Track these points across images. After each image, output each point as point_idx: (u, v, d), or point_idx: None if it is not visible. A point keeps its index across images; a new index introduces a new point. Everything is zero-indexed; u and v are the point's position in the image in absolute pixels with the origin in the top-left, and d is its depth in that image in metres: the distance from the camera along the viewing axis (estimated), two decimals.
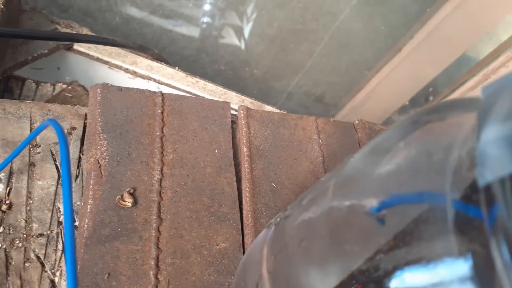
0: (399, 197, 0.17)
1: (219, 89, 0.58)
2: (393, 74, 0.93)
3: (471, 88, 0.79)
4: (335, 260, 0.18)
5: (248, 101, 0.58)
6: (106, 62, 0.56)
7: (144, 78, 0.57)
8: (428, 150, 0.16)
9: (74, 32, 0.54)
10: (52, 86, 0.49)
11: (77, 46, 0.55)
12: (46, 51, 0.52)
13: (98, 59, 0.56)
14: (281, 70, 1.00)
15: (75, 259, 0.21)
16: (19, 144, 0.33)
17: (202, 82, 0.58)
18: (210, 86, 0.58)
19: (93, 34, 0.56)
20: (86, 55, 0.56)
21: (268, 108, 0.61)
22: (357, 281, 0.16)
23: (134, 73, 0.57)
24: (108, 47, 0.56)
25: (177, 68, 0.58)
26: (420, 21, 0.82)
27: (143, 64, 0.57)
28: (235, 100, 0.58)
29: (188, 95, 0.49)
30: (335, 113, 0.99)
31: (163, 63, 0.58)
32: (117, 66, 0.56)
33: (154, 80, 0.57)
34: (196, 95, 0.55)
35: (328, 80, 1.03)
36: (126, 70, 0.56)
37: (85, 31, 0.56)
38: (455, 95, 0.88)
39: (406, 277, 0.15)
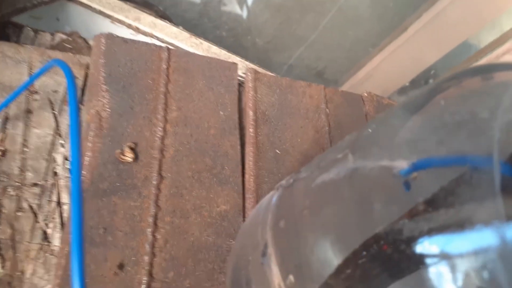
0: (435, 159, 0.15)
1: (223, 53, 0.56)
2: (397, 53, 0.91)
3: None
4: (359, 221, 0.16)
5: (252, 67, 0.56)
6: (108, 16, 0.53)
7: (146, 35, 0.54)
8: (471, 109, 0.15)
9: None
10: (51, 36, 0.47)
11: None
12: None
13: (101, 12, 0.53)
14: (284, 41, 0.98)
15: (82, 218, 0.19)
16: (16, 89, 0.31)
17: (206, 44, 0.56)
18: (214, 49, 0.55)
19: None
20: (88, 7, 0.53)
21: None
22: (384, 242, 0.15)
23: (137, 30, 0.54)
24: (111, 0, 0.53)
25: (181, 27, 0.56)
26: (429, 1, 0.80)
27: (147, 20, 0.55)
28: (240, 66, 0.56)
29: (195, 52, 0.47)
30: None
31: (167, 21, 0.56)
32: (119, 21, 0.53)
33: (157, 38, 0.54)
34: None
35: (331, 55, 1.01)
36: (129, 26, 0.54)
37: None
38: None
39: (442, 241, 0.13)
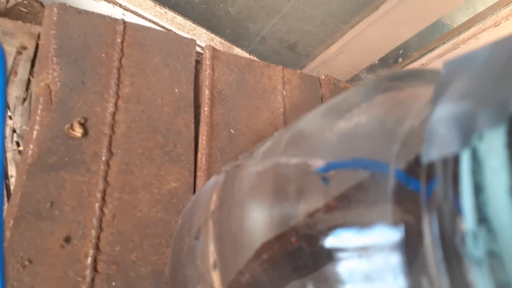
0: (345, 161, 0.16)
1: (188, 24, 0.55)
2: (368, 31, 0.92)
3: (440, 55, 0.79)
4: (277, 214, 0.18)
5: (217, 40, 0.56)
6: None
7: (109, 2, 0.53)
8: (381, 118, 0.16)
9: None
10: (26, 7, 0.45)
11: None
12: None
13: None
14: (257, 11, 0.97)
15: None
16: None
17: (170, 14, 0.55)
18: (179, 19, 0.55)
19: None
20: None
21: (238, 50, 0.59)
22: (295, 235, 0.16)
23: (114, 3, 0.53)
24: None
25: (167, 7, 0.55)
26: None
27: None
28: (204, 38, 0.56)
29: (153, 26, 0.46)
30: (306, 64, 0.98)
31: None
32: None
33: (120, 6, 0.53)
34: (163, 27, 0.52)
35: (303, 29, 1.01)
36: (114, 2, 0.52)
37: None
38: (424, 60, 0.89)
39: (340, 238, 0.15)
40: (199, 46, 0.42)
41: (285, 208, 0.17)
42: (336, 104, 0.19)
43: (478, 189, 0.11)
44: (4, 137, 0.17)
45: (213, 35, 0.56)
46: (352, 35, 0.91)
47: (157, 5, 0.54)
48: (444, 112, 0.12)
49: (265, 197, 0.19)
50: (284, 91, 0.42)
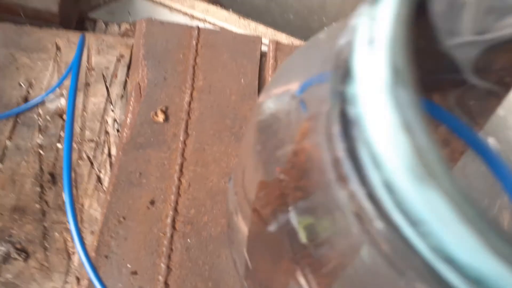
0: (314, 77, 0.20)
1: (270, 30, 0.61)
2: None
3: None
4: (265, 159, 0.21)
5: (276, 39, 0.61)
6: (167, 6, 0.62)
7: (200, 21, 0.62)
8: (333, 34, 0.19)
9: None
10: (118, 26, 0.57)
11: None
12: None
13: (161, 4, 0.62)
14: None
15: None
16: (80, 68, 0.40)
17: (253, 24, 0.62)
18: (261, 27, 0.61)
19: None
20: (151, 0, 0.62)
21: None
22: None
23: (192, 16, 0.62)
24: None
25: (230, 10, 0.62)
26: None
27: (200, 7, 0.62)
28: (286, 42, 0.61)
29: (223, 29, 0.53)
30: None
31: (218, 5, 0.63)
32: (176, 10, 0.62)
33: (209, 23, 0.62)
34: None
35: None
36: (185, 14, 0.62)
37: None
38: None
39: None
40: (265, 44, 0.48)
41: (270, 143, 0.21)
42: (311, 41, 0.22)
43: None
44: (71, 134, 0.24)
45: (292, 38, 0.61)
46: None
47: (241, 18, 0.62)
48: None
49: (254, 133, 0.23)
50: None
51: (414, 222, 0.12)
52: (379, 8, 0.14)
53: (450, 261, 0.12)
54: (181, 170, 0.39)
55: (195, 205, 0.38)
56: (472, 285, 0.12)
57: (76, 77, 0.25)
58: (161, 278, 0.35)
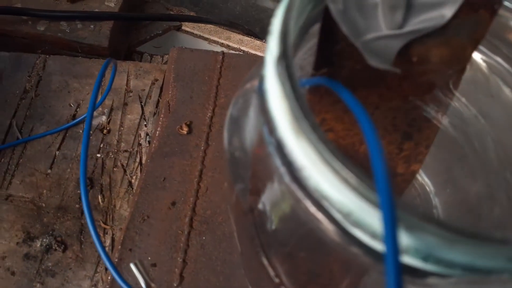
0: None
1: None
2: None
3: None
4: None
5: None
6: (206, 39, 0.69)
7: (235, 51, 0.68)
8: None
9: (180, 14, 0.69)
10: (161, 58, 0.64)
11: (184, 27, 0.69)
12: (160, 31, 0.67)
13: (200, 36, 0.69)
14: None
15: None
16: (119, 90, 0.47)
17: None
18: None
19: (196, 15, 0.69)
20: (191, 34, 0.69)
21: None
22: None
23: (228, 47, 0.68)
24: (208, 26, 0.69)
25: (264, 40, 0.68)
26: None
27: (235, 38, 0.69)
28: None
29: (246, 52, 0.58)
30: None
31: (252, 37, 0.69)
32: (214, 41, 0.69)
33: (243, 52, 0.68)
34: None
35: None
36: (222, 44, 0.68)
37: (191, 13, 0.70)
38: None
39: None
40: None
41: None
42: None
43: None
44: (88, 142, 0.30)
45: None
46: None
47: None
48: None
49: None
50: None
51: (298, 169, 0.16)
52: (278, 9, 0.18)
53: (326, 199, 0.15)
54: (200, 176, 0.43)
55: (211, 206, 0.42)
56: (346, 217, 0.15)
57: (95, 95, 0.30)
58: (177, 271, 0.39)
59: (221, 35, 0.69)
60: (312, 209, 0.17)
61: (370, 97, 0.24)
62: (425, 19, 0.20)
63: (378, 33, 0.20)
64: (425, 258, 0.15)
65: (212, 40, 0.69)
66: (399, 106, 0.25)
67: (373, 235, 0.15)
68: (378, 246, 0.16)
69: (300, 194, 0.17)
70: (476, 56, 0.26)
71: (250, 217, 0.24)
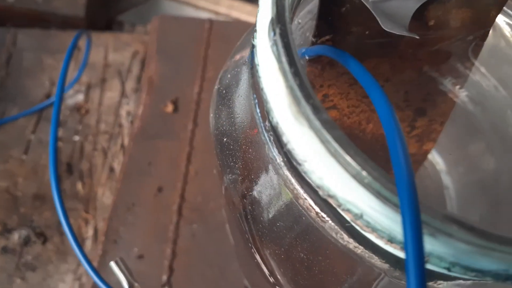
0: None
1: None
2: None
3: None
4: None
5: None
6: (192, 5, 0.65)
7: (225, 18, 0.64)
8: None
9: None
10: (144, 27, 0.60)
11: None
12: None
13: (186, 3, 0.65)
14: None
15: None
16: (97, 64, 0.44)
17: None
18: None
19: None
20: (177, 1, 0.65)
21: None
22: None
23: (216, 13, 0.65)
24: None
25: (255, 4, 0.64)
26: None
27: (225, 3, 0.65)
28: None
29: (236, 20, 0.55)
30: None
31: (243, 0, 0.65)
32: (201, 8, 0.65)
33: (233, 18, 0.64)
34: None
35: None
36: (209, 11, 0.65)
37: None
38: None
39: None
40: None
41: None
42: None
43: None
44: (56, 132, 0.27)
45: None
46: None
47: None
48: None
49: None
50: None
51: (299, 161, 0.13)
52: None
53: (333, 197, 0.13)
54: (188, 159, 0.41)
55: (202, 192, 0.39)
56: (357, 218, 0.13)
57: (64, 72, 0.28)
58: (166, 263, 0.37)
59: (208, 0, 0.65)
60: (316, 207, 0.15)
61: (381, 68, 0.21)
62: None
63: None
64: (451, 266, 0.13)
65: (199, 6, 0.65)
66: (413, 78, 0.22)
67: (389, 239, 0.13)
68: (395, 251, 0.14)
69: (300, 190, 0.15)
70: (499, 18, 0.23)
71: (241, 210, 0.21)
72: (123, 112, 0.44)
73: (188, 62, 0.45)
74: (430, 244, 0.13)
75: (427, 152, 0.26)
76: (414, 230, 0.10)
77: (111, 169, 0.41)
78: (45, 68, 0.45)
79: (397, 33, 0.16)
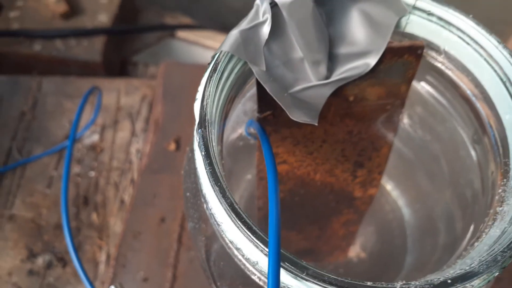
0: None
1: None
2: None
3: None
4: None
5: None
6: (201, 44, 0.72)
7: None
8: None
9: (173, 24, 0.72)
10: (156, 67, 0.67)
11: (179, 33, 0.72)
12: (154, 40, 0.70)
13: (195, 43, 0.72)
14: None
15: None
16: (110, 108, 0.51)
17: None
18: None
19: (191, 23, 0.72)
20: (186, 40, 0.72)
21: None
22: None
23: None
24: (202, 32, 0.72)
25: None
26: None
27: None
28: None
29: None
30: None
31: None
32: (209, 46, 0.72)
33: None
34: None
35: None
36: (215, 50, 0.71)
37: (186, 19, 0.73)
38: None
39: None
40: None
41: None
42: None
43: None
44: (69, 168, 0.33)
45: None
46: None
47: None
48: None
49: None
50: None
51: (218, 223, 0.19)
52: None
53: (239, 250, 0.18)
54: None
55: None
56: (254, 265, 0.18)
57: (76, 123, 0.34)
58: (167, 285, 0.43)
59: (215, 40, 0.72)
60: (236, 252, 0.20)
61: (316, 132, 0.27)
62: (351, 68, 0.23)
63: (307, 83, 0.23)
64: None
65: (207, 45, 0.72)
66: (345, 139, 0.27)
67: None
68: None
69: (226, 239, 0.20)
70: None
71: (203, 253, 0.27)
72: (133, 150, 0.50)
73: (190, 104, 0.51)
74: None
75: (372, 196, 0.31)
76: (274, 273, 0.16)
77: (122, 201, 0.48)
78: (65, 111, 0.53)
79: (302, 122, 0.21)
